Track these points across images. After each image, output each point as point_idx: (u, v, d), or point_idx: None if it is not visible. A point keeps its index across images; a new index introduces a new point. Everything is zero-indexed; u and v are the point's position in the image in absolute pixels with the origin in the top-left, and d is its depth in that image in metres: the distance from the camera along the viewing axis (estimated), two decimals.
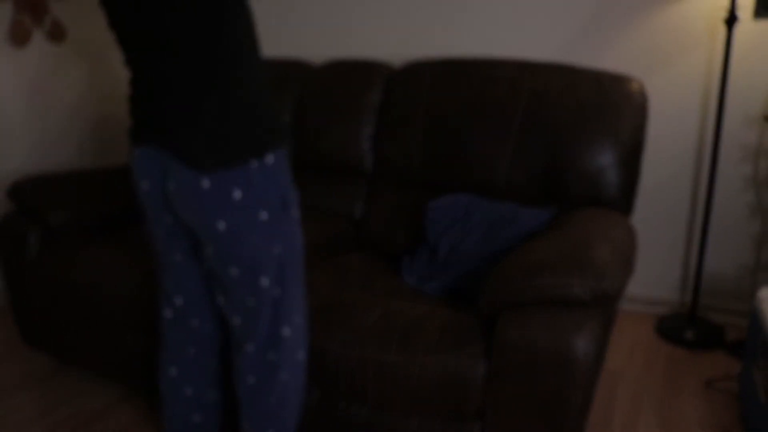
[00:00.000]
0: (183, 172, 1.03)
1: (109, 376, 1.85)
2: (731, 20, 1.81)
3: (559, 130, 1.66)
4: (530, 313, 1.17)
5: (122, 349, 1.71)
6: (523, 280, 1.16)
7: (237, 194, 1.03)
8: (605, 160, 1.60)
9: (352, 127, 1.93)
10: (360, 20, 2.34)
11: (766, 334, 1.46)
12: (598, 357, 1.17)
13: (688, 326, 2.05)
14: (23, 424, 1.68)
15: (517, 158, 1.70)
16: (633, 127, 1.63)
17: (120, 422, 1.69)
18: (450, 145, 1.78)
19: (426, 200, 1.80)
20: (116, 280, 1.67)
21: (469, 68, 1.85)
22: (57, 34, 2.34)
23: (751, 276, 2.10)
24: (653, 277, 2.20)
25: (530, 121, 1.70)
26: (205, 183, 1.02)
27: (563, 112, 1.67)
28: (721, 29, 1.87)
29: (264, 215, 1.06)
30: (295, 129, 2.05)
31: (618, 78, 1.69)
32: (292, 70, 2.12)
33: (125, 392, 1.83)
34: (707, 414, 1.66)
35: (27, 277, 1.82)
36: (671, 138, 2.08)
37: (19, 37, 2.21)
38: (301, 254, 1.18)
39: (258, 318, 1.14)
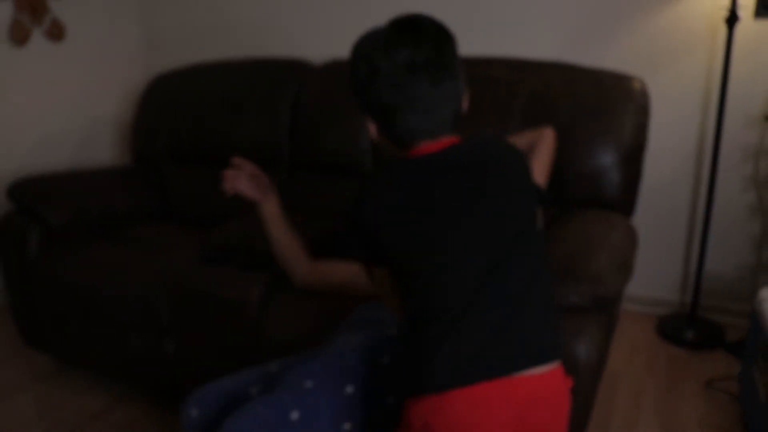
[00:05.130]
0: None
1: (109, 376, 1.86)
2: (732, 20, 1.81)
3: (559, 129, 1.63)
4: None
5: (123, 349, 1.71)
6: None
7: None
8: (606, 161, 1.59)
9: (351, 126, 1.92)
10: (360, 19, 2.34)
11: (766, 335, 1.45)
12: (599, 361, 1.17)
13: (689, 326, 2.05)
14: (23, 424, 1.69)
15: None
16: (634, 127, 1.62)
17: (119, 422, 1.69)
18: None
19: None
20: (117, 280, 1.67)
21: (467, 67, 1.79)
22: (56, 33, 2.34)
23: (752, 276, 2.09)
24: (654, 278, 2.20)
25: (530, 120, 1.68)
26: None
27: (563, 111, 1.66)
28: (722, 29, 1.87)
29: None
30: (293, 128, 2.05)
31: (619, 77, 1.69)
32: (291, 69, 2.12)
33: (125, 392, 1.83)
34: (707, 414, 1.66)
35: (27, 276, 1.82)
36: (672, 138, 2.08)
37: (18, 37, 2.21)
38: None
39: None
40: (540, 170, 1.40)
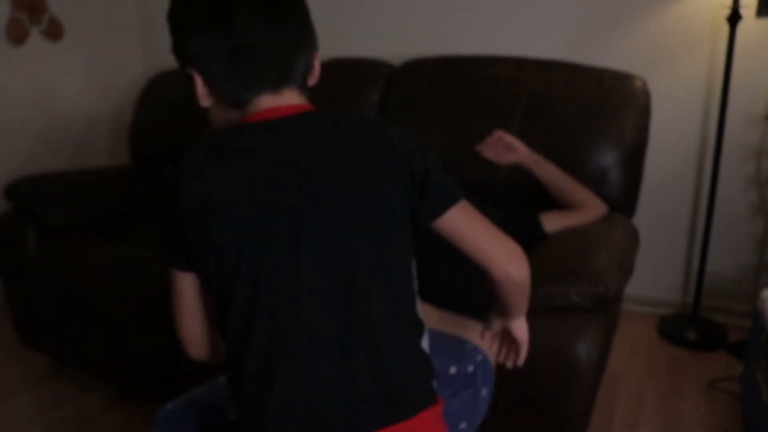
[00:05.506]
0: None
1: (107, 376, 1.85)
2: (734, 18, 1.81)
3: (560, 129, 1.65)
4: (530, 319, 1.16)
5: (121, 350, 1.71)
6: None
7: None
8: (607, 161, 1.60)
9: None
10: (359, 18, 2.33)
11: None
12: (600, 361, 1.17)
13: (690, 327, 2.05)
14: (21, 425, 1.69)
15: None
16: (636, 127, 1.62)
17: (117, 423, 1.69)
18: (449, 145, 1.77)
19: None
20: (116, 280, 1.67)
21: (468, 66, 1.84)
22: (54, 32, 2.33)
23: (754, 276, 2.09)
24: (655, 278, 2.20)
25: (530, 120, 1.69)
26: None
27: (564, 111, 1.66)
28: (724, 27, 1.86)
29: None
30: None
31: (620, 76, 1.69)
32: None
33: (123, 393, 1.83)
34: (709, 415, 1.66)
35: (25, 276, 1.82)
36: (673, 137, 2.08)
37: (16, 36, 2.20)
38: None
39: None
40: (560, 222, 1.45)
